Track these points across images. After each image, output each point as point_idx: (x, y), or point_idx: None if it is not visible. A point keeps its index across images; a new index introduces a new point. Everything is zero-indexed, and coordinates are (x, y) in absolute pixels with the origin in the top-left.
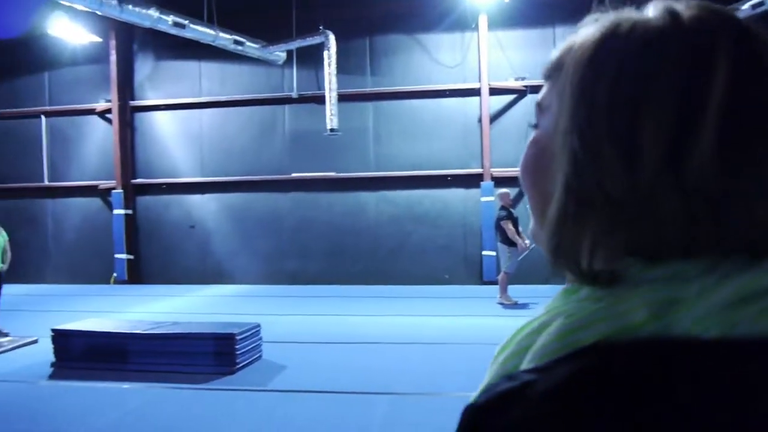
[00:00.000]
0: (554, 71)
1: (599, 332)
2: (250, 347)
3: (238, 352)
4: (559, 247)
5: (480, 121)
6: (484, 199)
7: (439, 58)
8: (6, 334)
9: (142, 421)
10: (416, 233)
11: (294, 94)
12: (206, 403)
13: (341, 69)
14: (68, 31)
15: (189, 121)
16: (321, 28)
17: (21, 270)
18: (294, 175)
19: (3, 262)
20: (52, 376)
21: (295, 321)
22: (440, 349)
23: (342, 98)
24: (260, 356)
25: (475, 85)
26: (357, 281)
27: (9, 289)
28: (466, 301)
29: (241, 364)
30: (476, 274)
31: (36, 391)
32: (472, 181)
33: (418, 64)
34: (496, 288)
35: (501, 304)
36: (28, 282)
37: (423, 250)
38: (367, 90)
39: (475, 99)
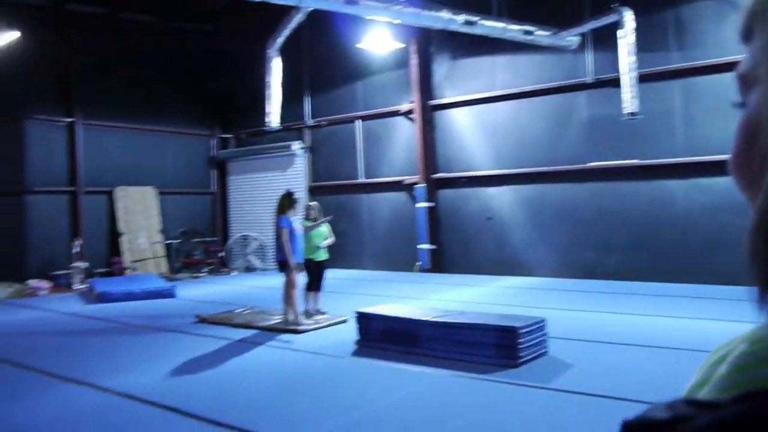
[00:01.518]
0: (757, 21)
1: None
2: (534, 342)
3: (521, 346)
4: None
5: None
6: None
7: None
8: (324, 313)
9: (427, 402)
10: (735, 225)
11: (589, 79)
12: (487, 394)
13: (640, 47)
14: (375, 43)
15: (484, 115)
16: (615, 5)
17: (342, 257)
18: (591, 164)
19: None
20: (355, 353)
21: (587, 318)
22: None
23: (642, 78)
24: (545, 352)
25: None
26: (661, 278)
27: (332, 273)
28: None
29: (524, 359)
30: None
31: (342, 365)
32: None
33: (733, 31)
34: None
35: None
36: (348, 267)
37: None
38: (673, 67)
39: None
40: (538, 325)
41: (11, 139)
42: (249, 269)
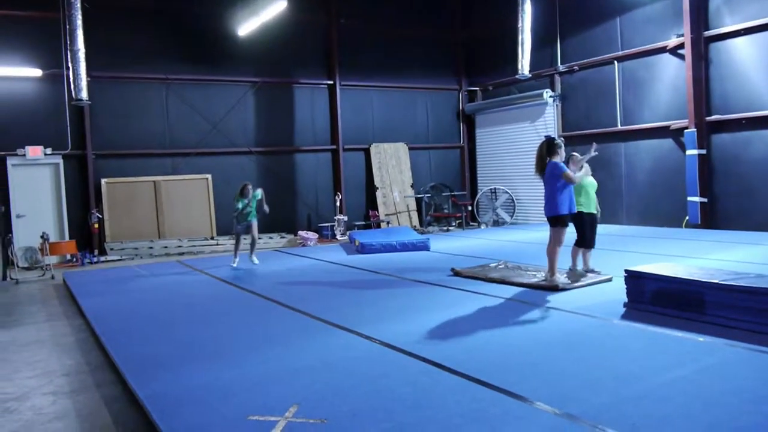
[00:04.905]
0: None
1: None
2: None
3: None
4: None
5: None
6: None
7: None
8: (597, 272)
9: (719, 381)
10: None
11: None
12: None
13: None
14: None
15: None
16: None
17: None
18: None
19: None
20: (624, 316)
21: None
22: None
23: None
24: None
25: None
26: None
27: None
28: None
29: None
30: None
31: (610, 328)
32: None
33: None
34: None
35: None
36: (604, 222)
37: None
38: None
39: None
40: None
41: (283, 102)
42: (497, 223)
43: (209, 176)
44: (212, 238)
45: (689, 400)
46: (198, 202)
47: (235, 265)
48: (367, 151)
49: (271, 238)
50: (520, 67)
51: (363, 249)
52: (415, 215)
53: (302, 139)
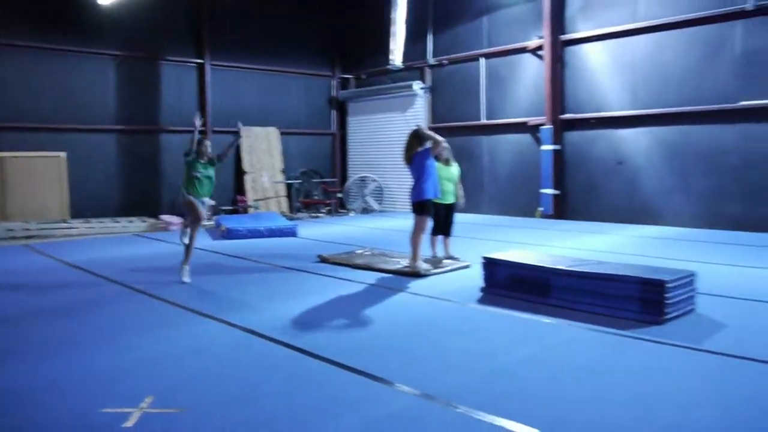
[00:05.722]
0: None
1: None
2: (681, 297)
3: (668, 302)
4: None
5: None
6: None
7: None
8: (456, 258)
9: (565, 357)
10: None
11: (749, 6)
12: (629, 352)
13: None
14: None
15: (621, 51)
16: None
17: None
18: (744, 103)
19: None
20: (480, 300)
21: (736, 273)
22: None
23: None
24: (693, 309)
25: None
26: None
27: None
28: None
29: (670, 315)
30: None
31: (467, 312)
32: None
33: None
34: None
35: None
36: (466, 211)
37: None
38: None
39: None
40: (688, 279)
41: (147, 79)
42: (366, 210)
43: (63, 154)
44: (65, 221)
45: (535, 376)
46: (49, 181)
47: (187, 279)
48: (237, 134)
49: (131, 221)
50: (392, 57)
51: (229, 234)
52: (284, 201)
53: (169, 119)
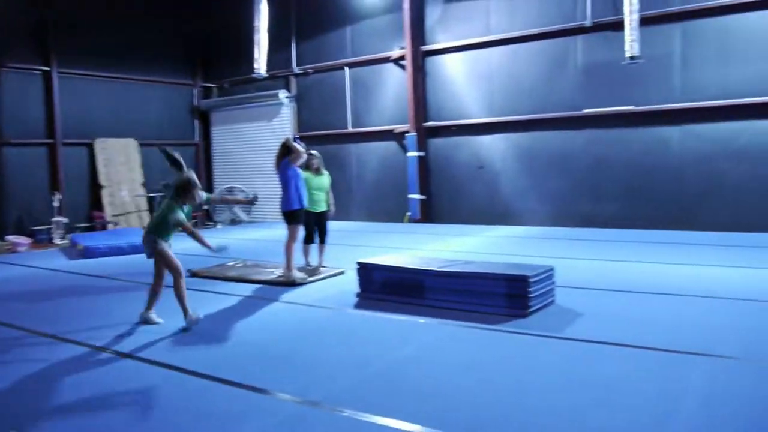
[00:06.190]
0: None
1: None
2: (543, 291)
3: (532, 296)
4: None
5: None
6: None
7: None
8: (324, 267)
9: (442, 355)
10: (731, 172)
11: (588, 23)
12: (499, 345)
13: None
14: None
15: (478, 62)
16: None
17: None
18: (587, 111)
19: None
20: (357, 305)
21: (588, 266)
22: (764, 307)
23: (643, 22)
24: (553, 301)
25: None
26: (658, 226)
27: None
28: None
29: (534, 308)
30: None
31: (344, 318)
32: None
33: None
34: None
35: None
36: (336, 219)
37: (739, 192)
38: (675, 9)
39: None
40: (547, 274)
41: None
42: (234, 222)
43: None
44: None
45: (415, 374)
46: None
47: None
48: (91, 147)
49: None
50: (256, 66)
51: (87, 253)
52: (147, 215)
53: (11, 131)
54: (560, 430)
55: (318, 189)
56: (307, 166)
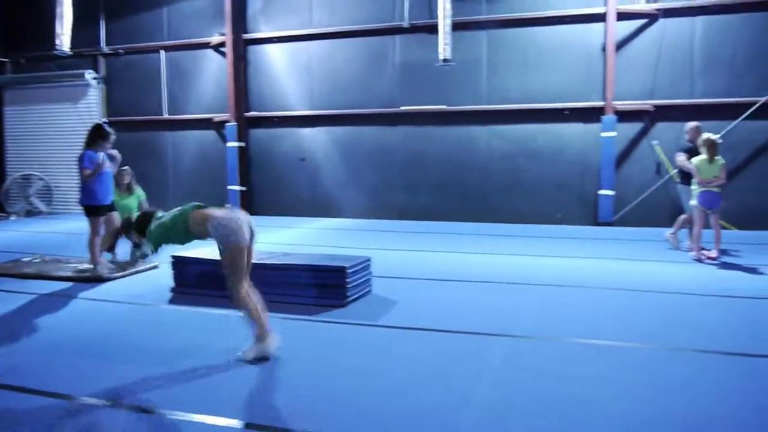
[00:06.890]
0: None
1: None
2: (360, 281)
3: (349, 286)
4: None
5: (604, 49)
6: (604, 134)
7: None
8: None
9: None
10: (530, 170)
11: (405, 24)
12: (317, 335)
13: None
14: None
15: (299, 54)
16: None
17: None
18: (403, 108)
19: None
20: (171, 300)
21: (403, 256)
22: (555, 291)
23: (455, 27)
24: (370, 291)
25: (600, 10)
26: (466, 218)
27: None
28: (580, 242)
29: (351, 298)
30: (591, 214)
31: (158, 314)
32: (591, 115)
33: None
34: (611, 230)
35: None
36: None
37: (536, 188)
38: (482, 17)
39: (599, 25)
40: (364, 265)
41: None
42: (31, 213)
43: None
44: None
45: (235, 367)
46: None
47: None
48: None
49: None
50: (59, 42)
51: None
52: None
53: None
54: (373, 410)
55: (124, 209)
56: (116, 184)
